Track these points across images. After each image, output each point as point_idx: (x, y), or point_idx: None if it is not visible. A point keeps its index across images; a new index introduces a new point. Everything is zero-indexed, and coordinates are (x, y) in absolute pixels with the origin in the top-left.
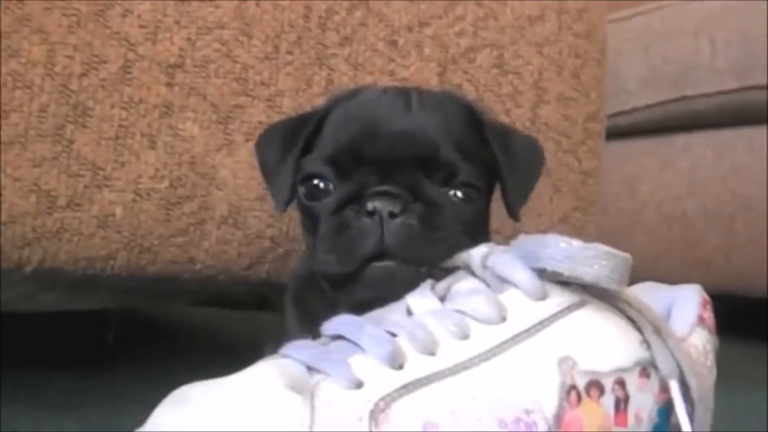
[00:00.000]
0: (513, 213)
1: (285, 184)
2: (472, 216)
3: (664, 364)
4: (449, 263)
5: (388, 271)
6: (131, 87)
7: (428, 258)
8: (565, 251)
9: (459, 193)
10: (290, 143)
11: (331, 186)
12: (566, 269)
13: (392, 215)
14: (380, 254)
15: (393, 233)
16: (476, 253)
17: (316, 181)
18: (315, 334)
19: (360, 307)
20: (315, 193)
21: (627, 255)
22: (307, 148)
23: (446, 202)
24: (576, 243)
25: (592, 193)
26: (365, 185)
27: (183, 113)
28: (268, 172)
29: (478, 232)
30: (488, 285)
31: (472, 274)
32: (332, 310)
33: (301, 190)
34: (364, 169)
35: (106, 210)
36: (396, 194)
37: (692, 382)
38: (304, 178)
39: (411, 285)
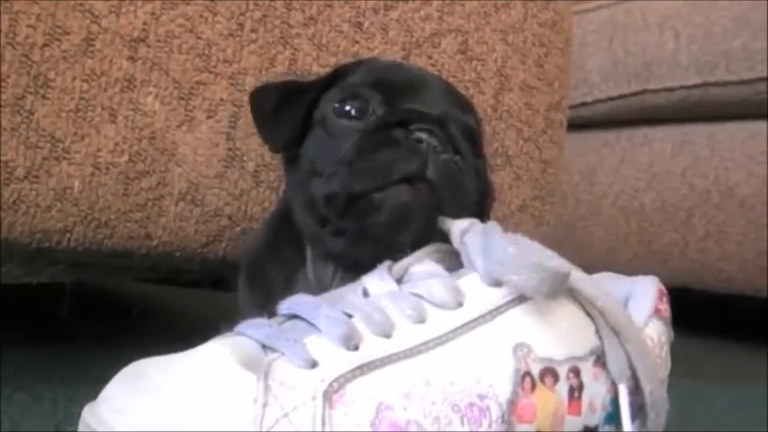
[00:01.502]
0: None
1: (287, 126)
2: (482, 183)
3: (615, 365)
4: (440, 223)
5: (411, 196)
6: (93, 59)
7: (453, 201)
8: (500, 255)
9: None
10: (291, 94)
11: (371, 109)
12: (496, 272)
13: (436, 151)
14: (417, 179)
15: (437, 164)
16: (456, 227)
17: (354, 102)
18: (270, 311)
19: (319, 282)
20: (353, 113)
21: (563, 270)
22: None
23: (473, 161)
24: (512, 249)
25: (552, 182)
26: (412, 117)
27: (145, 88)
28: (264, 120)
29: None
30: (453, 259)
31: (433, 254)
32: (287, 287)
33: (334, 108)
34: (409, 103)
35: (64, 183)
36: (440, 135)
37: (646, 386)
38: (340, 98)
39: (421, 217)
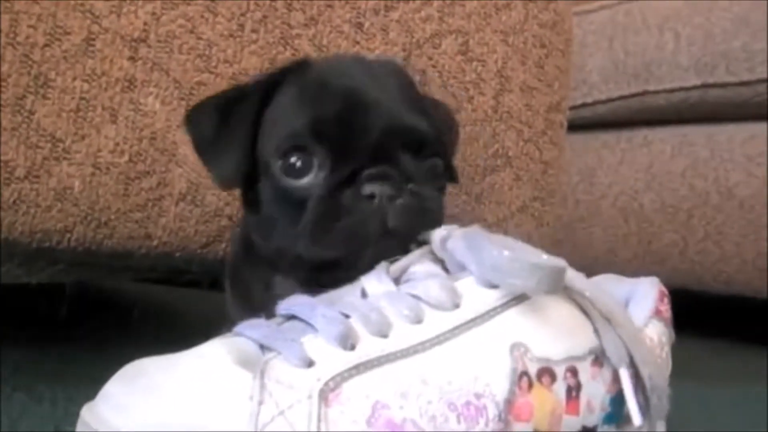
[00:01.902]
0: (453, 174)
1: (231, 158)
2: (440, 178)
3: (613, 352)
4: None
5: (385, 250)
6: (94, 60)
7: (422, 232)
8: (494, 260)
9: (428, 161)
10: (231, 114)
11: (316, 162)
12: (493, 278)
13: (390, 198)
14: (383, 237)
15: (396, 215)
16: (437, 235)
17: (297, 156)
18: (253, 314)
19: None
20: (297, 170)
21: (557, 264)
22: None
23: (428, 176)
24: (506, 253)
25: (552, 183)
26: (359, 166)
27: (145, 88)
28: (204, 146)
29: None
30: (447, 267)
31: (431, 254)
32: (267, 292)
33: (278, 164)
34: (354, 147)
35: (64, 183)
36: (391, 176)
37: (644, 371)
38: (283, 151)
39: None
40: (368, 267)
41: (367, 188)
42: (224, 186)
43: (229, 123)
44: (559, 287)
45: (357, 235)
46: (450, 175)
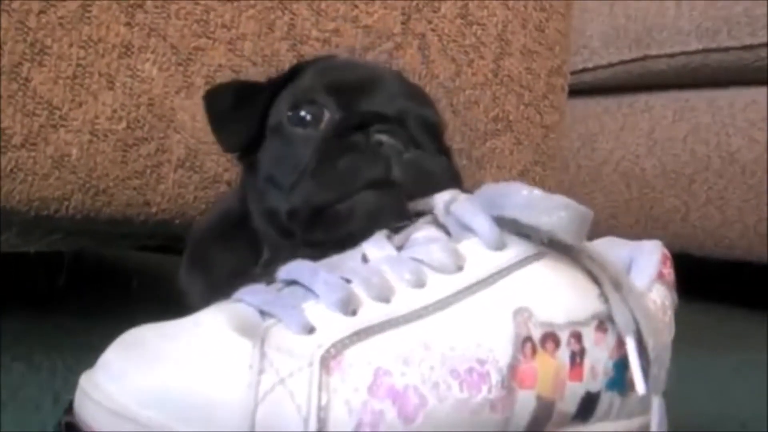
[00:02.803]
0: None
1: (244, 126)
2: (450, 175)
3: (621, 319)
4: (414, 207)
5: (382, 198)
6: (90, 26)
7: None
8: (525, 199)
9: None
10: (246, 94)
11: (327, 114)
12: (524, 217)
13: (397, 151)
14: (382, 184)
15: (401, 167)
16: (440, 199)
17: (308, 109)
18: (211, 289)
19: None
20: (306, 121)
21: (588, 209)
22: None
23: (437, 155)
24: (537, 192)
25: (552, 147)
26: (370, 119)
27: (142, 54)
28: (219, 116)
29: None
30: (450, 232)
31: (434, 221)
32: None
33: (287, 116)
34: (365, 104)
35: (61, 150)
36: (401, 134)
37: (649, 340)
38: (293, 105)
39: (391, 218)
40: (364, 218)
41: (377, 136)
42: (231, 150)
43: (243, 101)
44: (583, 235)
45: (359, 172)
46: None
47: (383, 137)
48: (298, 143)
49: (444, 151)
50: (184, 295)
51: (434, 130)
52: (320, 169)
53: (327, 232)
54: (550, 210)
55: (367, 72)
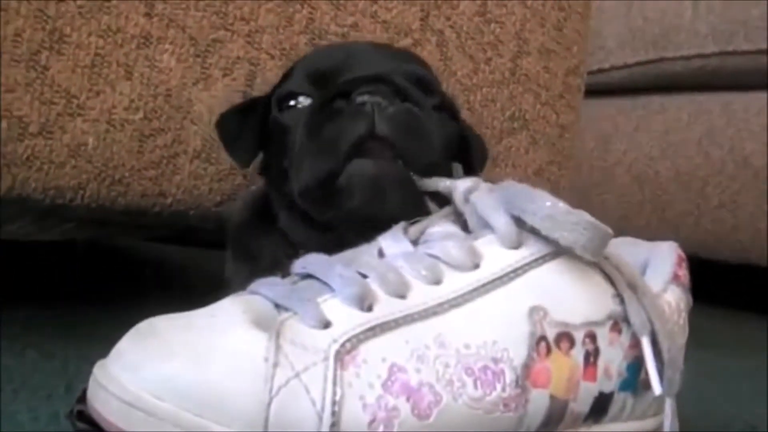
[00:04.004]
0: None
1: (248, 140)
2: (448, 137)
3: (637, 319)
4: (432, 185)
5: (376, 168)
6: (109, 15)
7: (416, 151)
8: (548, 210)
9: (441, 111)
10: (248, 112)
11: (309, 99)
12: (544, 228)
13: (381, 107)
14: (366, 147)
15: (384, 120)
16: (461, 185)
17: (290, 102)
18: (255, 277)
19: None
20: (295, 108)
21: (608, 229)
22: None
23: (429, 108)
24: (561, 205)
25: (568, 147)
26: (351, 85)
27: (161, 45)
28: (229, 138)
29: (451, 158)
30: (466, 221)
31: (449, 215)
32: (274, 252)
33: (276, 110)
34: (344, 78)
35: (78, 139)
36: (384, 91)
37: (664, 342)
38: (281, 99)
39: (398, 190)
40: (366, 187)
41: (359, 98)
42: (245, 165)
43: (245, 119)
44: (601, 253)
45: (343, 134)
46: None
47: (365, 97)
48: (291, 130)
49: (443, 106)
50: (229, 285)
51: (425, 84)
52: (308, 143)
53: (337, 208)
54: (571, 226)
55: (345, 50)
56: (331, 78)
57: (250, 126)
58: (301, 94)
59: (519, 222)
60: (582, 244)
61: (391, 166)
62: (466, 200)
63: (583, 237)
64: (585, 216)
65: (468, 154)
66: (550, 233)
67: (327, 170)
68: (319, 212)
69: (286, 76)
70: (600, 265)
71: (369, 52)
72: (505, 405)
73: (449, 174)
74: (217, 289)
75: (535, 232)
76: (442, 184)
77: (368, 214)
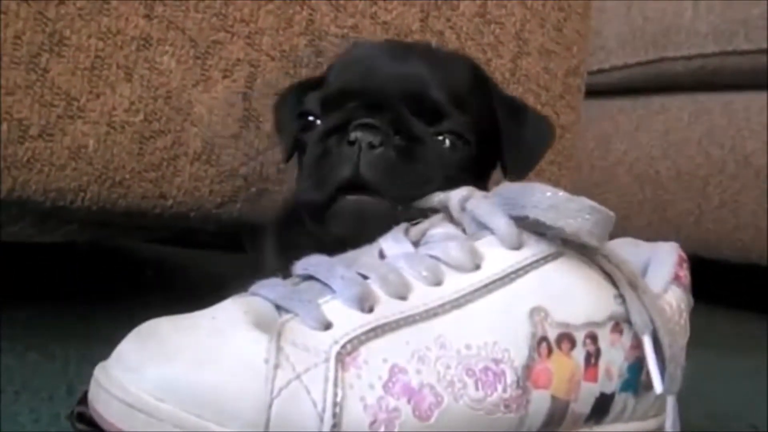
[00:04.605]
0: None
1: (290, 133)
2: (456, 162)
3: (638, 318)
4: (425, 203)
5: (360, 204)
6: (109, 17)
7: (402, 192)
8: (549, 200)
9: (447, 138)
10: (300, 99)
11: (319, 121)
12: (548, 218)
13: (371, 147)
14: (354, 184)
15: (369, 163)
16: (455, 195)
17: (309, 118)
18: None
19: (340, 245)
20: (307, 127)
21: (610, 212)
22: None
23: (429, 140)
24: (562, 194)
25: (568, 147)
26: (351, 118)
27: (161, 46)
28: (281, 126)
29: (462, 182)
30: (465, 229)
31: (450, 217)
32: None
33: (297, 125)
34: (351, 104)
35: (78, 141)
36: (378, 126)
37: (665, 340)
38: (299, 114)
39: (382, 222)
40: (350, 222)
41: (352, 135)
42: (285, 159)
43: (296, 108)
44: (605, 237)
45: (330, 176)
46: (503, 168)
47: (359, 133)
48: (303, 146)
49: (452, 130)
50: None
51: (431, 109)
52: (306, 172)
53: (324, 229)
54: (574, 213)
55: (367, 64)
56: (342, 100)
57: (290, 126)
58: (313, 115)
59: (518, 222)
60: (588, 230)
61: (373, 203)
62: (463, 209)
63: (587, 222)
64: (586, 201)
65: (510, 153)
66: (555, 222)
67: (318, 202)
68: (312, 226)
69: (325, 75)
70: (600, 263)
71: (390, 67)
72: (506, 406)
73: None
74: (220, 289)
75: (536, 230)
76: (436, 199)
77: (352, 239)
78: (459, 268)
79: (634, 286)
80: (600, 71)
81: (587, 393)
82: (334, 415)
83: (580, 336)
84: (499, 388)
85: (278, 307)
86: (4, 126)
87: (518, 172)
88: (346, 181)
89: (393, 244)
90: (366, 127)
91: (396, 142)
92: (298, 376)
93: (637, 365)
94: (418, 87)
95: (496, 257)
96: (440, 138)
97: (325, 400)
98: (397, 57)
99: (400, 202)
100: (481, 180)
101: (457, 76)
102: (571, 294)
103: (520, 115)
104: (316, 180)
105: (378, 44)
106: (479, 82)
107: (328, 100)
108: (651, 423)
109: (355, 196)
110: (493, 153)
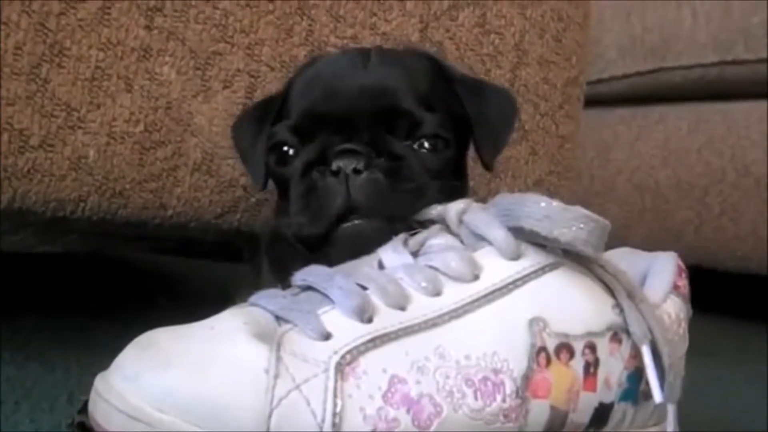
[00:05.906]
0: (486, 164)
1: (260, 161)
2: (440, 165)
3: (637, 328)
4: (423, 216)
5: (358, 230)
6: (110, 28)
7: (397, 211)
8: (543, 211)
9: (425, 144)
10: (262, 122)
11: (294, 151)
12: (543, 229)
13: (356, 172)
14: (349, 212)
15: (359, 189)
16: (452, 209)
17: (283, 149)
18: (289, 284)
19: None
20: (282, 160)
21: (605, 221)
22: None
23: (410, 154)
24: (556, 204)
25: (568, 157)
26: (328, 145)
27: (161, 57)
28: (244, 153)
29: (449, 182)
30: (463, 242)
31: (447, 229)
32: (306, 261)
33: (271, 158)
34: (326, 130)
35: (79, 152)
36: (358, 151)
37: (664, 350)
38: (271, 147)
39: (383, 242)
40: (350, 247)
41: (334, 164)
42: (258, 187)
43: (256, 136)
44: (602, 246)
45: (323, 210)
46: (482, 162)
47: (340, 162)
48: (283, 181)
49: (427, 135)
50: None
51: (408, 121)
52: (296, 210)
53: (325, 258)
54: (569, 222)
55: (329, 83)
56: (313, 127)
57: (258, 151)
58: (286, 144)
59: (516, 232)
60: (583, 239)
61: (371, 226)
62: (460, 221)
63: (582, 231)
64: (581, 211)
65: (482, 140)
66: (549, 232)
67: (316, 235)
68: (310, 253)
69: (285, 96)
70: (598, 273)
71: (354, 81)
72: (506, 416)
73: (453, 191)
74: (220, 299)
75: (533, 240)
76: (434, 212)
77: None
78: (458, 279)
79: (632, 296)
80: (599, 81)
81: (586, 403)
82: (334, 425)
83: (579, 346)
84: (498, 398)
85: (278, 318)
86: (5, 136)
87: (490, 152)
88: (339, 212)
89: (392, 254)
90: (346, 153)
91: (379, 164)
92: (297, 387)
93: (636, 375)
94: (387, 101)
95: (495, 268)
96: (420, 147)
97: (324, 411)
98: (358, 68)
99: (396, 221)
100: (460, 173)
101: (420, 75)
102: (570, 304)
103: (482, 94)
104: (309, 216)
105: (336, 56)
106: (439, 73)
107: (299, 129)
108: None
109: (350, 223)
110: (467, 140)
